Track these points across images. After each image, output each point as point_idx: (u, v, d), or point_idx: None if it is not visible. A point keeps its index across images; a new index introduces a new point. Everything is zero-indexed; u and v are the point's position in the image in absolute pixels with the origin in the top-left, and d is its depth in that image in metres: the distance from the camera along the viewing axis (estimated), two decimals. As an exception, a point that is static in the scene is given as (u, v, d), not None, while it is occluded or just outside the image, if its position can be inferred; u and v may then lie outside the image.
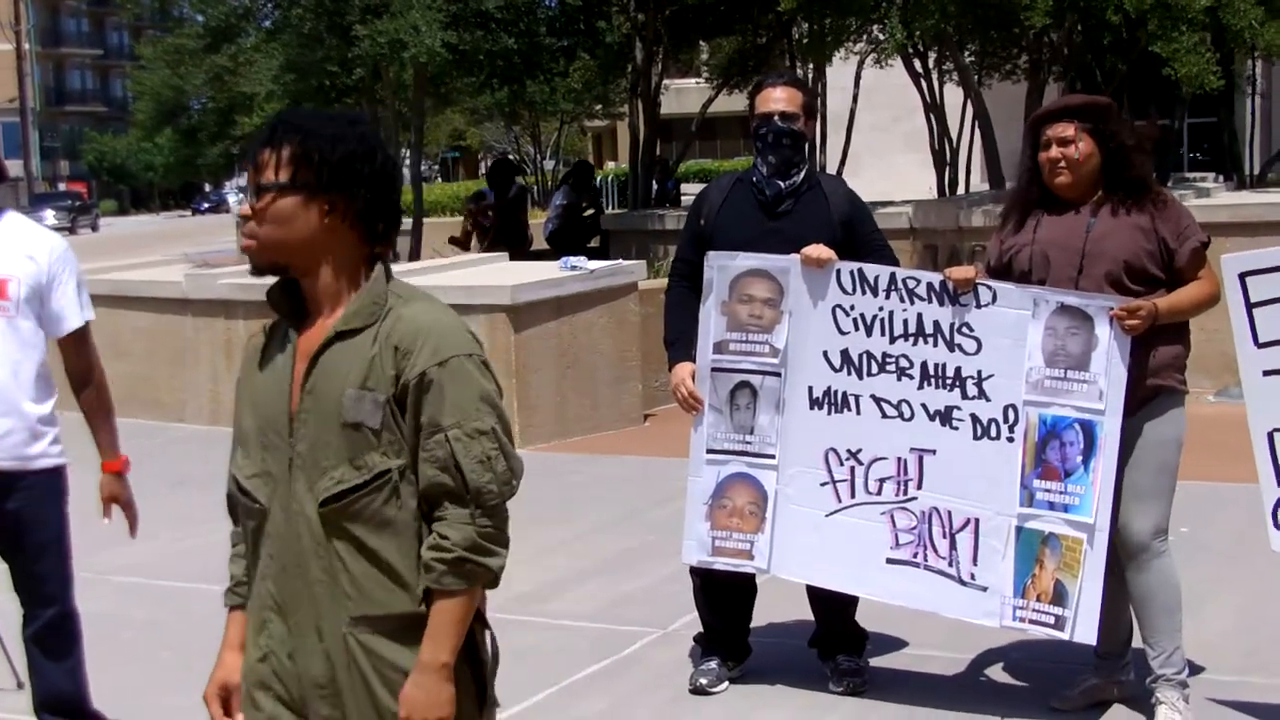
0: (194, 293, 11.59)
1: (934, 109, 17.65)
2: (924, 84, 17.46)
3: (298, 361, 2.69)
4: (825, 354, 5.12)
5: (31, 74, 69.82)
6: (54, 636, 4.63)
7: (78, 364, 4.68)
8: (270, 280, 2.74)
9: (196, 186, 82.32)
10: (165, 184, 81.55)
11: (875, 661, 5.48)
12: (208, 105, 23.86)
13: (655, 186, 18.22)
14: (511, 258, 13.03)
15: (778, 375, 5.17)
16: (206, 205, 77.28)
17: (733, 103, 20.17)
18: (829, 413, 5.12)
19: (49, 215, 46.83)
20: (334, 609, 2.66)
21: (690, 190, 24.25)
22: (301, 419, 2.66)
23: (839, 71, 19.06)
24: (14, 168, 54.11)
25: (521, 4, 15.13)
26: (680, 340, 5.33)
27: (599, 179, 34.62)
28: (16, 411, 4.50)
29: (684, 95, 29.27)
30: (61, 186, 74.78)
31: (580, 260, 10.55)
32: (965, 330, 4.94)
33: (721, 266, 5.20)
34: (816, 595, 5.38)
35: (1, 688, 5.27)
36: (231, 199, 69.80)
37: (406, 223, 15.22)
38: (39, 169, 73.76)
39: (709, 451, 5.25)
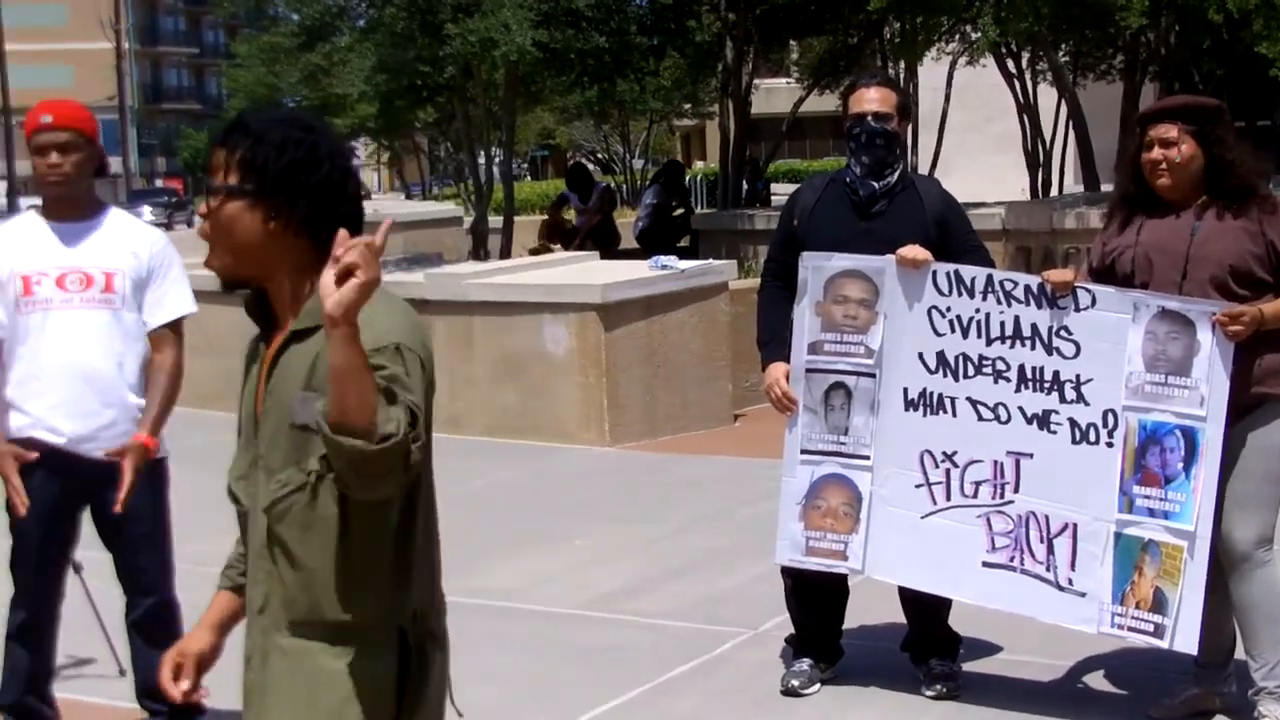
0: (288, 289, 11.71)
1: (1027, 109, 17.47)
2: (1017, 84, 17.29)
3: (264, 364, 2.68)
4: (921, 355, 5.08)
5: (130, 72, 70.98)
6: (154, 624, 4.71)
7: (163, 357, 4.71)
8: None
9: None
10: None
11: (968, 666, 5.43)
12: (301, 104, 24.10)
13: (745, 186, 18.17)
14: (601, 257, 13.07)
15: (872, 376, 5.14)
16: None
17: (822, 103, 20.07)
18: (924, 414, 5.09)
19: (146, 211, 47.45)
20: (272, 614, 2.63)
21: (780, 190, 24.19)
22: (264, 419, 2.65)
23: (930, 71, 18.92)
24: (113, 164, 55.02)
25: (612, 2, 15.15)
26: (773, 340, 5.31)
27: (688, 178, 34.65)
28: (120, 403, 4.59)
29: (773, 95, 29.20)
30: (158, 183, 75.89)
31: (671, 259, 10.55)
32: (1063, 333, 4.88)
33: (816, 267, 5.18)
34: (909, 598, 5.34)
35: (104, 674, 5.37)
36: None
37: (496, 221, 15.34)
38: (137, 166, 74.98)
39: (803, 452, 5.23)
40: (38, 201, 4.82)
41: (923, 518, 5.09)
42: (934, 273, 5.05)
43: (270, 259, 2.63)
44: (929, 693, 5.27)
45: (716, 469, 9.25)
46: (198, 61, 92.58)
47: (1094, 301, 4.83)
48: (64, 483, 4.56)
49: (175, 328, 4.74)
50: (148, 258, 4.67)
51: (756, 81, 18.63)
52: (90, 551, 4.89)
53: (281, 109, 2.57)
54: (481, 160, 16.43)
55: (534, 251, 15.11)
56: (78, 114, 4.65)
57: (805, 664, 5.40)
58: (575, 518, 8.18)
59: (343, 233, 2.37)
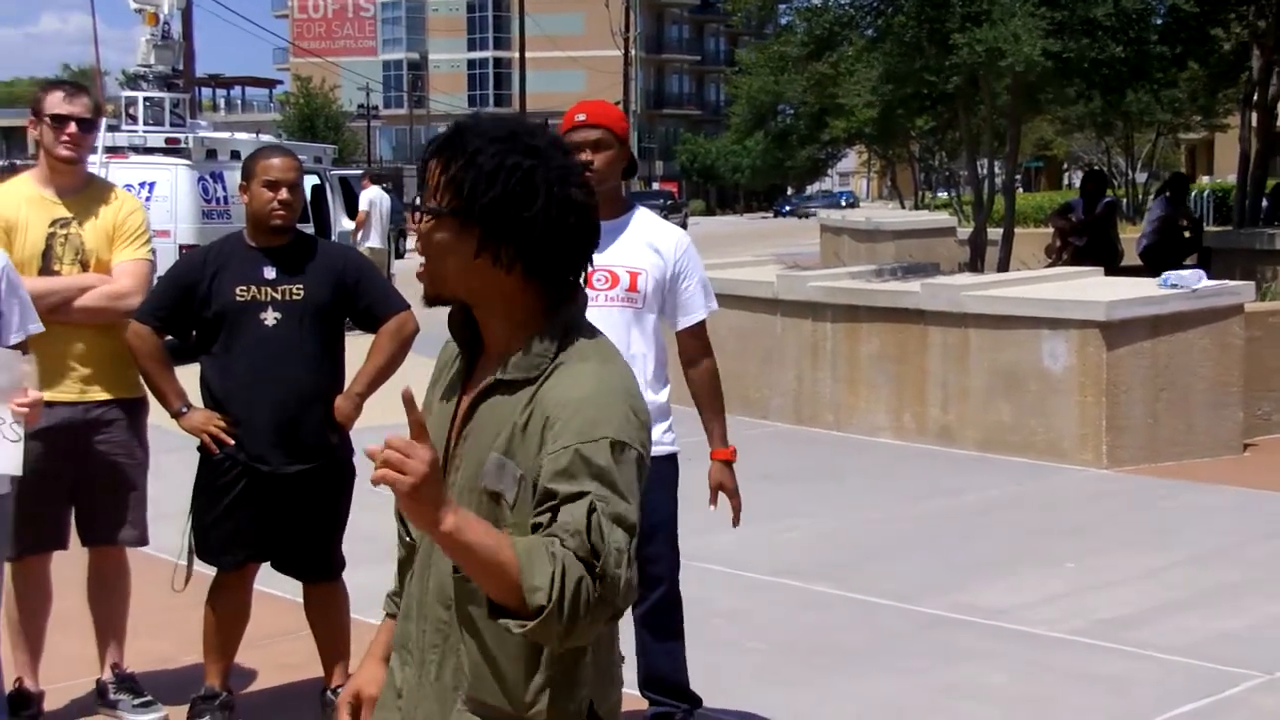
0: (784, 293, 11.90)
1: None
2: None
3: (464, 396, 2.41)
4: None
5: (635, 78, 74.06)
6: (659, 617, 4.84)
7: (694, 355, 4.86)
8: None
9: (779, 189, 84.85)
10: (750, 186, 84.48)
11: None
12: (800, 110, 24.44)
13: (1265, 204, 17.13)
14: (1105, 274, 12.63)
15: None
16: (788, 208, 79.60)
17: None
18: None
19: (643, 213, 49.36)
20: (448, 679, 2.36)
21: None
22: (455, 462, 2.37)
23: None
24: (615, 167, 57.25)
25: (1133, 10, 14.58)
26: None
27: (1193, 194, 33.02)
28: (643, 402, 4.76)
29: (1295, 106, 27.33)
30: (655, 185, 78.95)
31: (1183, 278, 10.06)
32: None
33: (1364, 292, 4.80)
34: None
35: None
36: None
37: (995, 233, 15.08)
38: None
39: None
40: None
41: None
42: None
43: (481, 292, 2.34)
44: None
45: (1224, 499, 8.76)
46: (699, 68, 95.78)
47: None
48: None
49: (703, 326, 4.84)
50: (673, 258, 4.76)
51: (1283, 92, 17.51)
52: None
53: (506, 118, 2.36)
54: (982, 170, 16.19)
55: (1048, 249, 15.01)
56: (610, 113, 4.80)
57: (1329, 717, 5.03)
58: (1070, 539, 7.93)
59: (390, 436, 2.07)
